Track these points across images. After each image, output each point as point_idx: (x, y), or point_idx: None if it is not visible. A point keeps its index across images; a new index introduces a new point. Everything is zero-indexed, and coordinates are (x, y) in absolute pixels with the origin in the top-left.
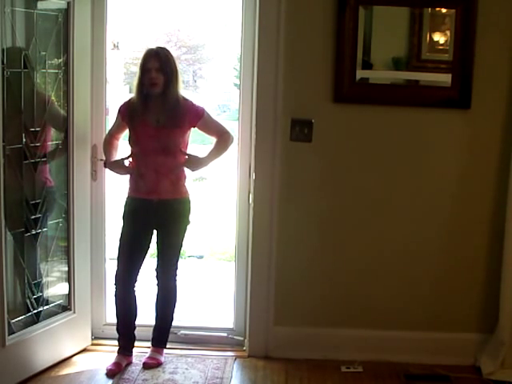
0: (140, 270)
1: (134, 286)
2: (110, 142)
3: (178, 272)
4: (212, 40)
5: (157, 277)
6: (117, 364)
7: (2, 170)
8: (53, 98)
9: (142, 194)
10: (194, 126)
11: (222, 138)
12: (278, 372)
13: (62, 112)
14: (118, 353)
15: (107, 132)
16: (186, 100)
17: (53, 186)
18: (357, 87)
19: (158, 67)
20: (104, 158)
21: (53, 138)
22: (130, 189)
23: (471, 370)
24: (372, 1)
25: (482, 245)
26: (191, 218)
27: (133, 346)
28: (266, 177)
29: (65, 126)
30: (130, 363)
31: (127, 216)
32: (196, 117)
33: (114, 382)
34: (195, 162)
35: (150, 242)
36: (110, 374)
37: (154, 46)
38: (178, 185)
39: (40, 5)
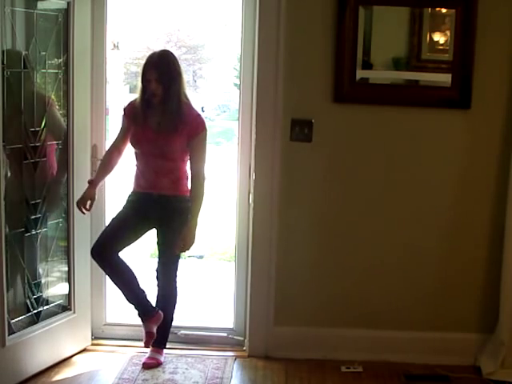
0: (122, 248)
1: (115, 254)
2: (109, 156)
3: (178, 273)
4: (212, 40)
5: (157, 277)
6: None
7: (2, 169)
8: (54, 99)
9: (143, 189)
10: (191, 140)
11: (194, 183)
12: (278, 372)
13: (63, 122)
14: (143, 324)
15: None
16: (190, 109)
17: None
18: (357, 87)
19: (157, 78)
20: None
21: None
22: (133, 184)
23: (471, 369)
24: (372, 1)
25: (482, 245)
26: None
27: (151, 311)
28: (266, 177)
29: (64, 135)
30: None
31: (127, 202)
32: (195, 130)
33: (114, 382)
34: (188, 235)
35: (142, 229)
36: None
37: (156, 51)
38: (179, 183)
39: (40, 5)
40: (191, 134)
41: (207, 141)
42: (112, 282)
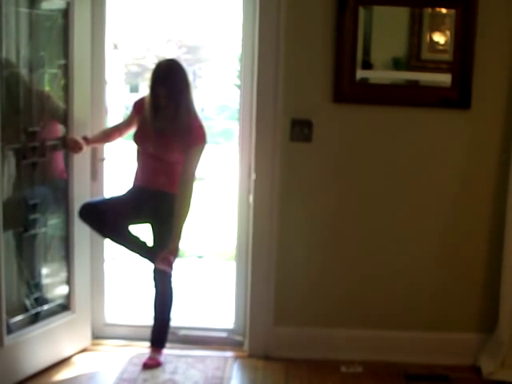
0: (107, 214)
1: (102, 212)
2: (111, 130)
3: (175, 273)
4: (212, 40)
5: (153, 278)
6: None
7: (1, 169)
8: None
9: (141, 183)
10: (188, 148)
11: (182, 183)
12: (278, 372)
13: (61, 104)
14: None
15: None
16: (195, 119)
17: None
18: (357, 87)
19: (166, 95)
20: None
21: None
22: (133, 180)
23: (471, 370)
24: (372, 1)
25: (482, 245)
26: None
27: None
28: (266, 177)
29: (64, 117)
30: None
31: (127, 191)
32: (193, 141)
33: (113, 382)
34: (173, 248)
35: (133, 214)
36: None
37: (163, 62)
38: (176, 183)
39: (40, 5)
40: (189, 143)
41: (209, 141)
42: (107, 238)
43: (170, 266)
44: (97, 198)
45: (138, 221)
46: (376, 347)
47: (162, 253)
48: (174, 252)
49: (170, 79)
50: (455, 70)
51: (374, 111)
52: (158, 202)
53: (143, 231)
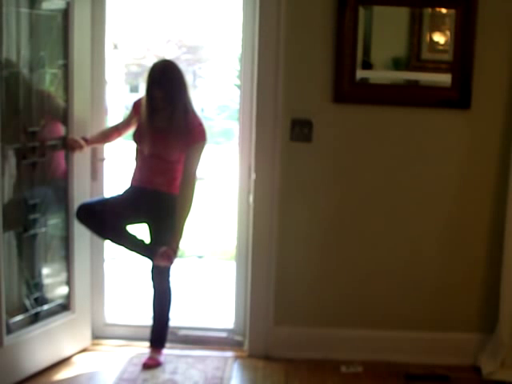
0: (105, 215)
1: (100, 212)
2: (110, 130)
3: (173, 272)
4: (212, 40)
5: (152, 278)
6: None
7: (1, 169)
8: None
9: (138, 183)
10: (189, 146)
11: (183, 187)
12: (278, 372)
13: (62, 103)
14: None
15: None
16: (194, 117)
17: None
18: (357, 87)
19: (162, 96)
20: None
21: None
22: (131, 179)
23: (471, 369)
24: (372, 1)
25: (482, 245)
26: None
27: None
28: (266, 177)
29: (65, 116)
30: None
31: (124, 191)
32: (195, 139)
33: (114, 382)
34: (174, 245)
35: (130, 215)
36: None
37: (158, 63)
38: (174, 182)
39: (40, 5)
40: (189, 142)
41: (209, 141)
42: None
43: (170, 261)
44: (93, 199)
45: (135, 221)
46: (376, 347)
47: (161, 249)
48: (175, 249)
49: (165, 81)
50: (455, 70)
51: (374, 111)
52: (155, 203)
53: (140, 230)
